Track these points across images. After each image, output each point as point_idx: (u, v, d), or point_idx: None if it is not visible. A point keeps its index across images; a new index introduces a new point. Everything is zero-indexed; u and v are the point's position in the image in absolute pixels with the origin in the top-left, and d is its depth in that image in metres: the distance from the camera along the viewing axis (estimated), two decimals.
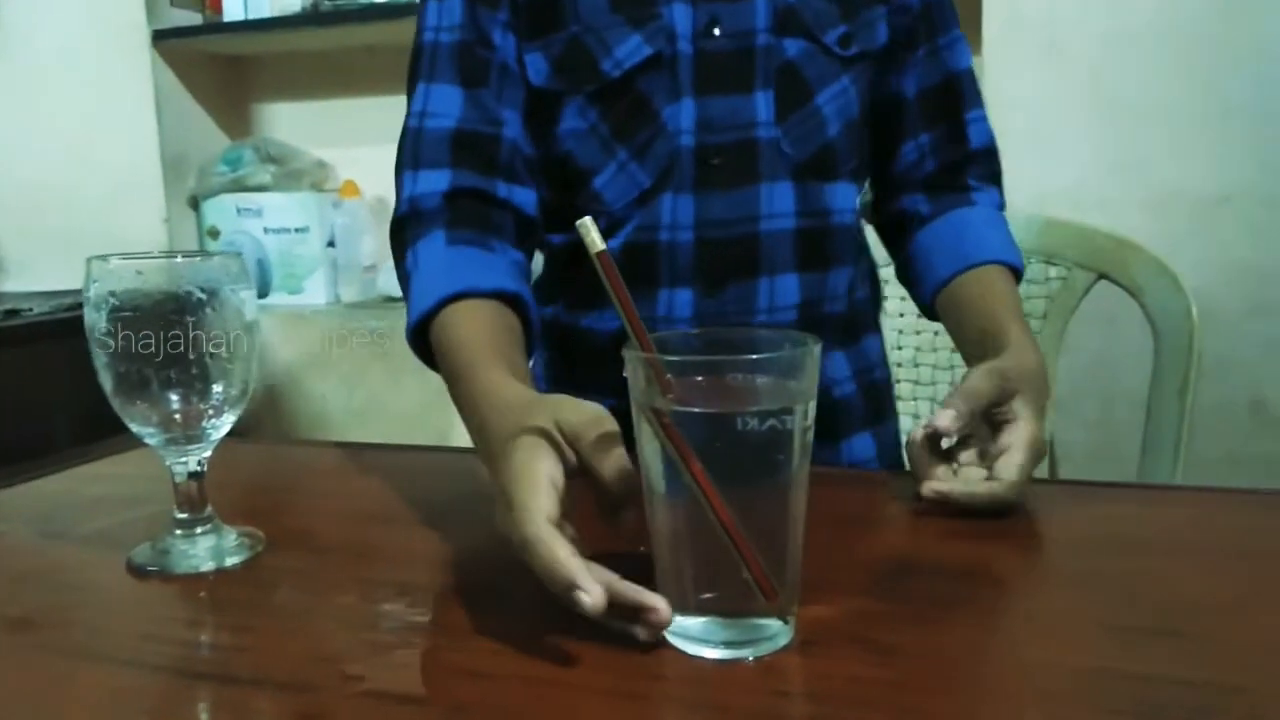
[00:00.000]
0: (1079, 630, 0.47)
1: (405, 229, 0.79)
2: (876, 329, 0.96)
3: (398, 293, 2.05)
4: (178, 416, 0.59)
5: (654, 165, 0.81)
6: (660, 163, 0.81)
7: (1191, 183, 1.47)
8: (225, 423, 0.60)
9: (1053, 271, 1.32)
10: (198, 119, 2.23)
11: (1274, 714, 0.39)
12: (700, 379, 0.45)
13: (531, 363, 0.84)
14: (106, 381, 0.58)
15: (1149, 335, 1.19)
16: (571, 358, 0.90)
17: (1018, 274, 0.87)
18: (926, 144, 0.90)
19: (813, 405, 0.44)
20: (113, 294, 0.56)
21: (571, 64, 0.81)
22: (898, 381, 1.31)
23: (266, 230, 2.14)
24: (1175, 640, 0.46)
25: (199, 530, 0.61)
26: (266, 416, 2.07)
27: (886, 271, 1.08)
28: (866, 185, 0.95)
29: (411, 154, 0.81)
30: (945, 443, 0.64)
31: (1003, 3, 1.53)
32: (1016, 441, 0.63)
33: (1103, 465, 1.50)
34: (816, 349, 0.44)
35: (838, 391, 0.88)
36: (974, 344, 0.79)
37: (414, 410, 1.98)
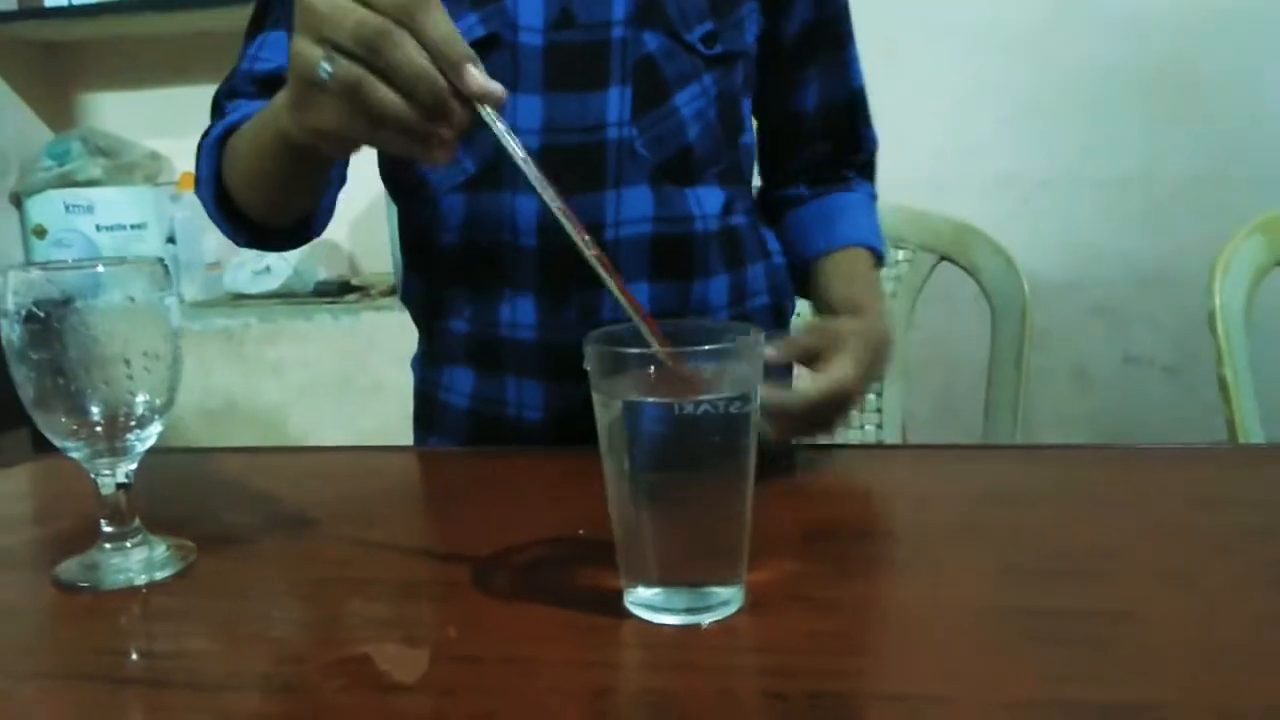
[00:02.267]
0: (981, 575, 0.53)
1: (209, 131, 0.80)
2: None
3: (246, 290, 1.99)
4: (101, 429, 0.57)
5: (478, 153, 0.79)
6: (485, 152, 0.79)
7: (1019, 168, 1.62)
8: (152, 433, 0.59)
9: (900, 254, 1.42)
10: (16, 110, 2.08)
11: (1157, 636, 0.46)
12: (654, 369, 0.49)
13: (450, 380, 0.86)
14: (26, 395, 0.56)
15: (986, 311, 1.31)
16: (497, 362, 0.85)
17: (880, 260, 0.93)
18: (821, 154, 0.94)
19: (759, 389, 0.49)
20: (31, 305, 0.55)
21: None
22: None
23: (99, 228, 2.02)
24: (1063, 579, 0.53)
25: (129, 543, 0.60)
26: None
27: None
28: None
29: (226, 88, 0.84)
30: None
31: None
32: (815, 382, 0.67)
33: (947, 430, 1.63)
34: (762, 337, 0.48)
35: None
36: (835, 314, 0.84)
37: (271, 412, 1.93)
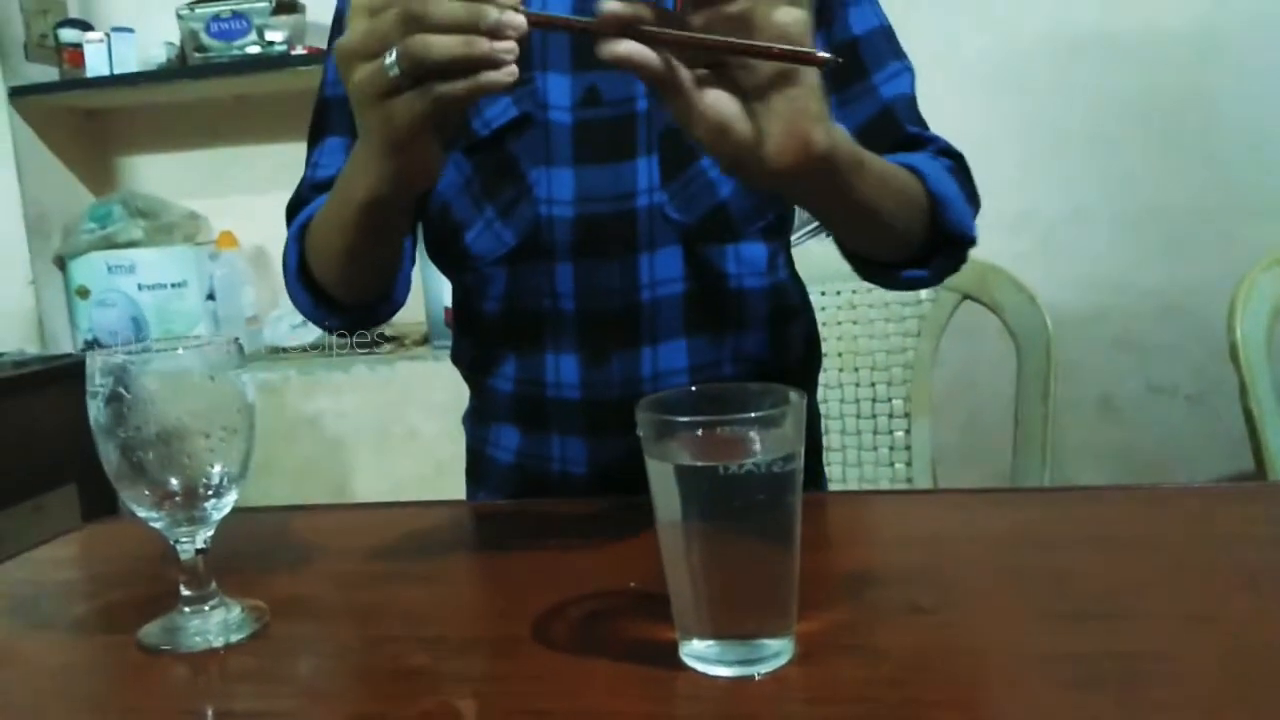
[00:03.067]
0: (1017, 620, 0.56)
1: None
2: (811, 397, 0.96)
3: (284, 343, 2.04)
4: (181, 499, 0.61)
5: (517, 227, 0.83)
6: (523, 225, 0.83)
7: (1039, 205, 1.65)
8: (228, 502, 0.63)
9: (923, 294, 1.45)
10: (59, 175, 2.16)
11: (1193, 673, 0.49)
12: (703, 433, 0.52)
13: (497, 437, 0.89)
14: (110, 468, 0.60)
15: (1009, 344, 1.33)
16: (542, 420, 0.88)
17: (938, 204, 0.75)
18: None
19: (803, 448, 0.52)
20: (116, 385, 0.59)
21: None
22: (827, 447, 1.41)
23: (141, 287, 2.09)
24: (1097, 621, 0.55)
25: (207, 606, 0.63)
26: None
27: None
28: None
29: (295, 198, 0.90)
30: None
31: None
32: None
33: (976, 464, 1.64)
34: (802, 402, 0.52)
35: None
36: None
37: (307, 465, 1.97)
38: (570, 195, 0.82)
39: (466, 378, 0.95)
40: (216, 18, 1.97)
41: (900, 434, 1.46)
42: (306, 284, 0.83)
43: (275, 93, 2.14)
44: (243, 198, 2.22)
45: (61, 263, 2.12)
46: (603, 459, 0.85)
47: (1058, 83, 1.65)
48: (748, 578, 0.52)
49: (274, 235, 2.21)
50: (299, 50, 1.97)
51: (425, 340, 2.07)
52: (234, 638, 0.62)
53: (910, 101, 0.87)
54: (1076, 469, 1.71)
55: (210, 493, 0.62)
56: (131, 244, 2.09)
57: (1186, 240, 1.64)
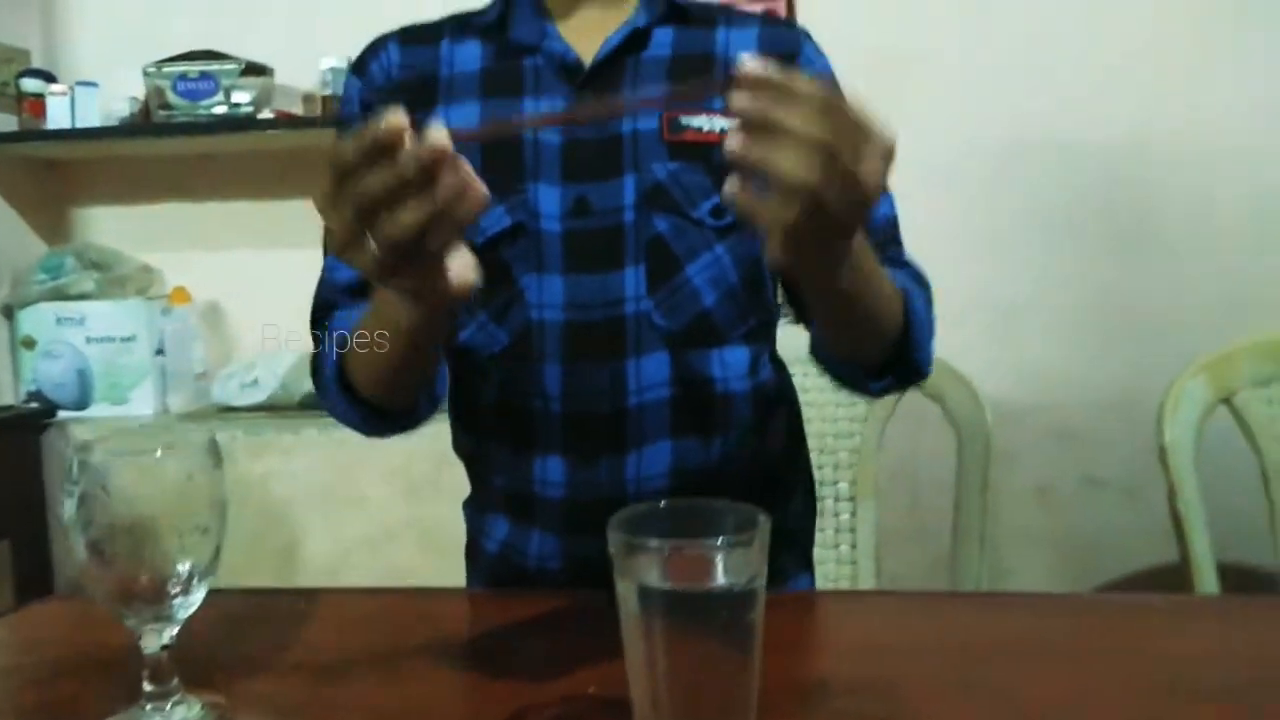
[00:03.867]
0: None
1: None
2: (798, 488, 0.99)
3: (233, 402, 2.03)
4: (149, 596, 0.62)
5: (509, 329, 0.86)
6: (515, 328, 0.85)
7: (981, 299, 1.72)
8: (196, 599, 0.64)
9: None
10: (12, 223, 2.13)
11: None
12: (670, 554, 0.54)
13: (490, 527, 0.93)
14: (79, 561, 0.60)
15: (951, 430, 1.38)
16: (528, 514, 0.91)
17: (911, 317, 0.79)
18: None
19: (765, 569, 0.55)
20: (95, 485, 0.59)
21: None
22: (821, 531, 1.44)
23: (89, 340, 2.06)
24: None
25: (169, 703, 0.63)
26: None
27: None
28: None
29: (319, 300, 0.92)
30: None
31: None
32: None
33: (918, 546, 1.69)
34: (768, 524, 0.55)
35: None
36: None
37: (254, 527, 1.94)
38: (560, 300, 0.84)
39: (466, 467, 0.97)
40: (184, 77, 1.98)
41: (846, 516, 1.50)
42: (352, 399, 0.84)
43: (238, 151, 2.16)
44: (199, 253, 2.21)
45: (9, 311, 2.09)
46: (579, 555, 0.87)
47: (1000, 184, 1.73)
48: (708, 690, 0.54)
49: (228, 291, 2.23)
50: (265, 113, 1.98)
51: None
52: None
53: (892, 223, 0.91)
54: (1013, 555, 1.77)
55: (179, 590, 0.62)
56: (83, 296, 2.07)
57: (1120, 337, 1.72)
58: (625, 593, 0.54)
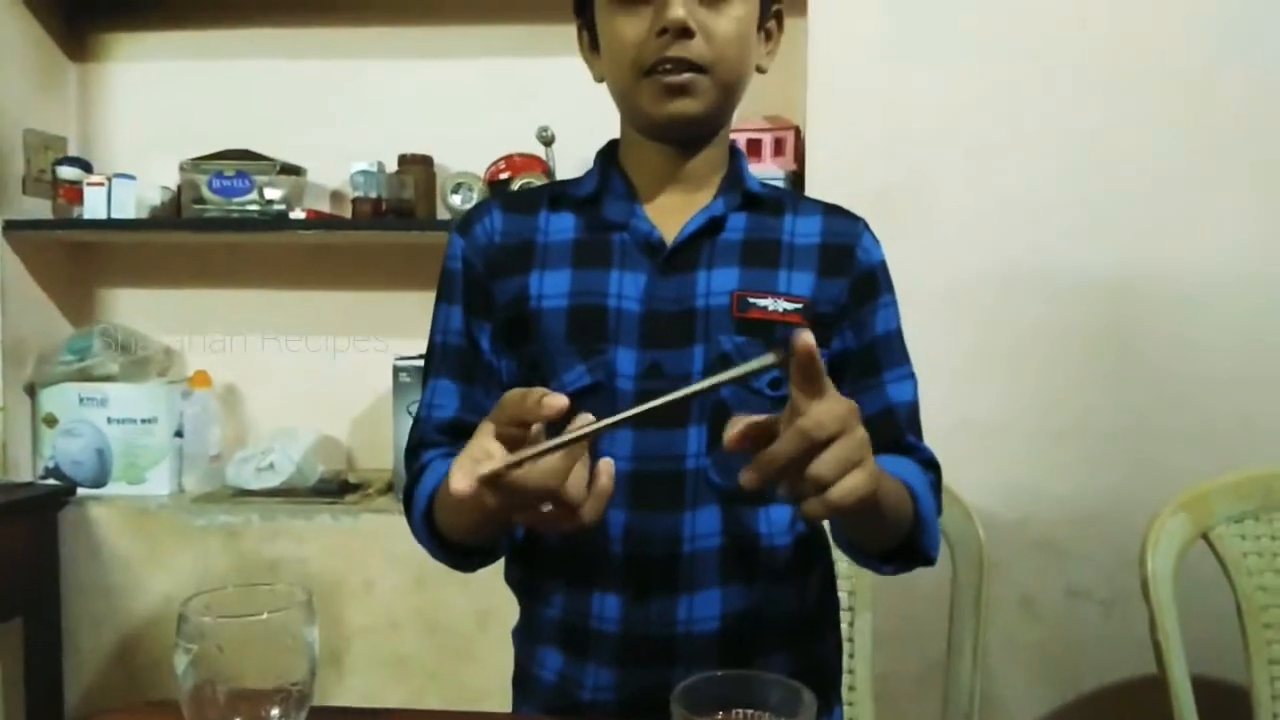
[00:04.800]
0: None
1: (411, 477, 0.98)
2: (830, 630, 1.06)
3: (249, 485, 2.09)
4: None
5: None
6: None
7: (971, 417, 1.82)
8: None
9: None
10: (38, 304, 2.20)
11: None
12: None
13: (542, 657, 1.00)
14: (184, 705, 0.68)
15: (945, 546, 1.46)
16: (583, 647, 0.97)
17: (919, 513, 0.89)
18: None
19: None
20: (211, 644, 0.67)
21: (530, 375, 0.97)
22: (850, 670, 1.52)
23: (110, 420, 2.12)
24: None
25: None
26: (106, 620, 2.00)
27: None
28: None
29: (418, 436, 1.01)
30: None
31: None
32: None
33: (913, 652, 1.76)
34: (814, 703, 0.63)
35: None
36: None
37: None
38: (629, 452, 0.92)
39: (517, 597, 1.04)
40: (219, 174, 2.07)
41: (845, 626, 1.57)
42: (439, 542, 0.93)
43: (267, 244, 2.24)
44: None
45: (32, 390, 2.15)
46: (631, 687, 0.94)
47: (995, 312, 1.84)
48: None
49: (247, 376, 2.30)
50: (297, 212, 2.07)
51: (389, 489, 2.13)
52: None
53: (913, 408, 0.99)
54: (1000, 664, 1.84)
55: None
56: (107, 377, 2.13)
57: (1102, 457, 1.82)
58: None
